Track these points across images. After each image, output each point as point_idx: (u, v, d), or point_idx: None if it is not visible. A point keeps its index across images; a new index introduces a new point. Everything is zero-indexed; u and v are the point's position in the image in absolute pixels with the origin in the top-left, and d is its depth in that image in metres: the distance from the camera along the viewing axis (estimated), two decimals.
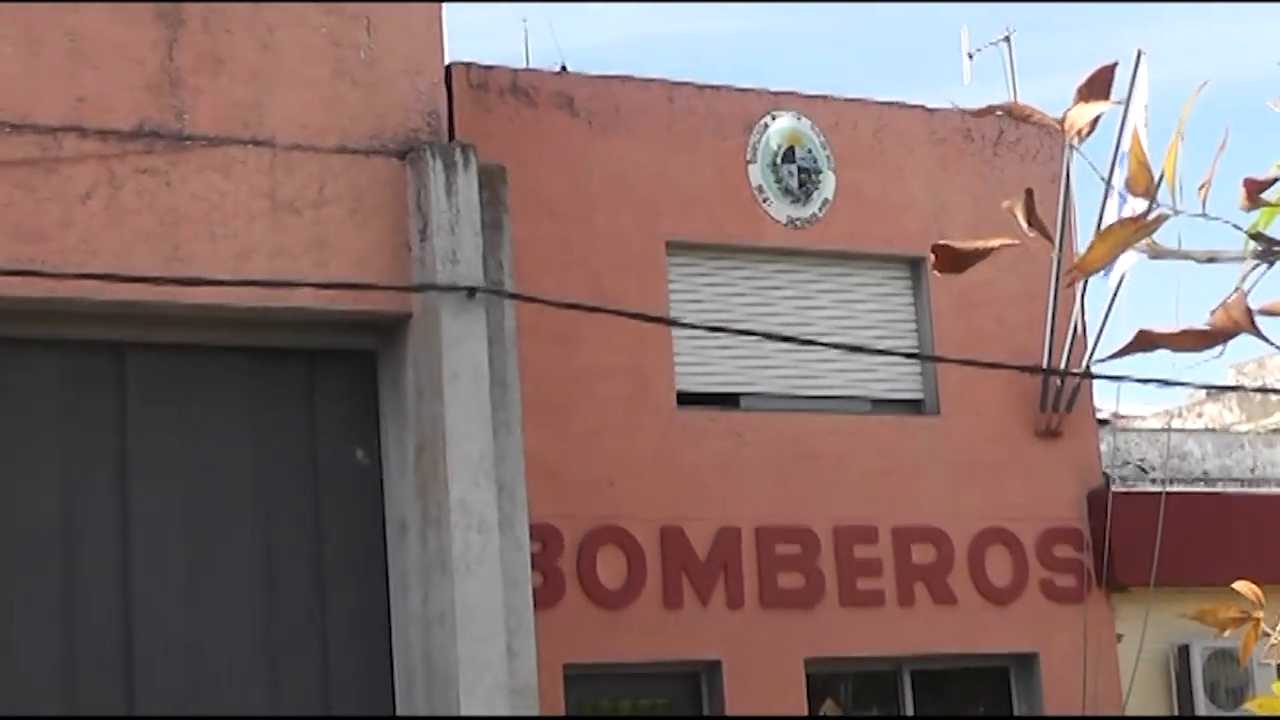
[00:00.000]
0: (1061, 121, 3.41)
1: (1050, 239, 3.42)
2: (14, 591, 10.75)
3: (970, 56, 16.46)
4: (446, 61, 12.21)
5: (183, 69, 11.23)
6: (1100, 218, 13.83)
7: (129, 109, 11.07)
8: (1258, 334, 3.23)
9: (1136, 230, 3.21)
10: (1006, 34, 16.46)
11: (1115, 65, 3.46)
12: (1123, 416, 18.91)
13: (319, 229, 11.27)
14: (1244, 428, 21.49)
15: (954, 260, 3.52)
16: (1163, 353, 3.41)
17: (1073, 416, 15.47)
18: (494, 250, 11.49)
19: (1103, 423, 16.37)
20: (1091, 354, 15.22)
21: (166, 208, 11.00)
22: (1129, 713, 15.15)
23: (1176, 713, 15.37)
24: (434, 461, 11.16)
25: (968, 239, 3.63)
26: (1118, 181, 11.80)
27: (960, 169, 15.52)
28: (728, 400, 14.63)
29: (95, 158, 10.90)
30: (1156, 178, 3.40)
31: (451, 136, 11.91)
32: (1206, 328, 3.25)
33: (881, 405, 15.21)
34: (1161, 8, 48.45)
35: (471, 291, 11.26)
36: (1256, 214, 3.46)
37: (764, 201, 14.78)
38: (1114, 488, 15.51)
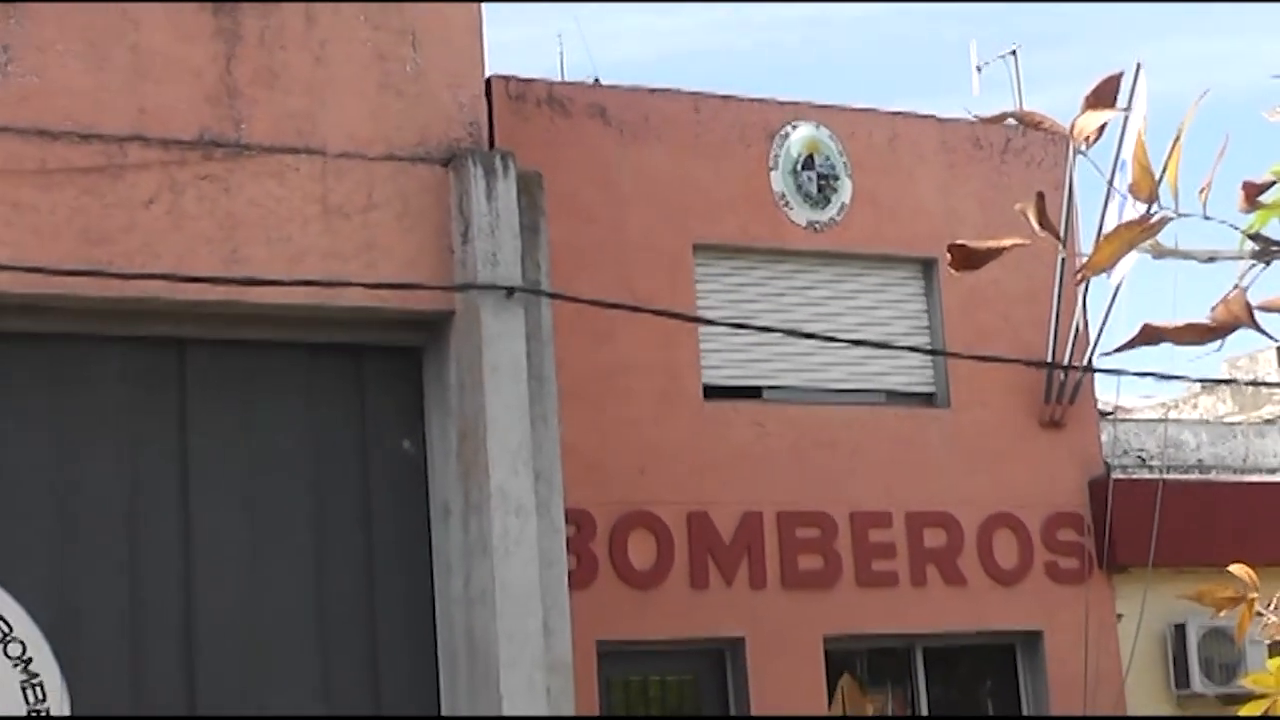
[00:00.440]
0: (1070, 129, 3.40)
1: (1060, 239, 3.42)
2: (83, 570, 10.77)
3: (979, 69, 16.44)
4: (487, 74, 12.21)
5: (240, 82, 11.25)
6: (1101, 220, 13.81)
7: (189, 119, 11.08)
8: (1257, 328, 3.23)
9: (1141, 231, 3.21)
10: (1013, 48, 16.45)
11: (1121, 75, 3.45)
12: (1122, 408, 18.86)
13: (368, 232, 11.28)
14: (1237, 419, 21.44)
15: (968, 259, 3.52)
16: (1160, 348, 3.40)
17: (1075, 408, 15.45)
18: (531, 252, 11.48)
19: (1104, 414, 16.34)
20: (1093, 349, 15.19)
21: (225, 212, 11.01)
22: (1128, 687, 15.12)
23: (1174, 687, 15.33)
24: (475, 450, 11.16)
25: (977, 240, 3.62)
26: (1119, 185, 11.77)
27: (969, 175, 15.49)
28: (751, 393, 14.62)
29: (158, 165, 10.92)
30: (1157, 182, 3.39)
31: (491, 145, 11.90)
32: (1208, 322, 3.24)
33: (895, 398, 15.19)
34: (1160, 23, 48.28)
35: (510, 291, 11.25)
36: (1254, 215, 3.45)
37: (785, 206, 14.76)
38: (1114, 475, 15.49)
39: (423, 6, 11.75)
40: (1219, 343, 3.30)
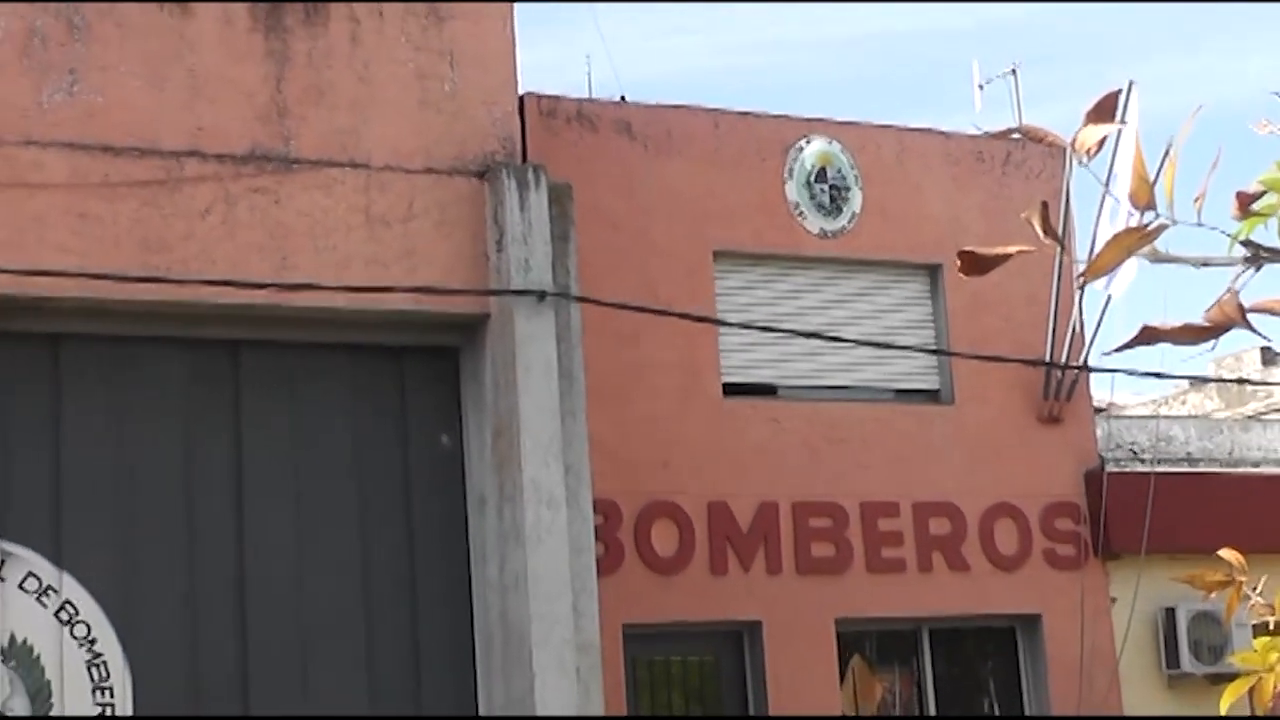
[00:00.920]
0: (1072, 142, 3.41)
1: (1063, 245, 3.43)
2: (144, 556, 10.80)
3: (981, 87, 16.41)
4: (520, 92, 12.21)
5: (289, 100, 11.27)
6: (1096, 227, 13.78)
7: (242, 136, 11.10)
8: (1249, 328, 3.23)
9: (1140, 238, 3.21)
10: (1013, 67, 16.42)
11: (1119, 92, 3.46)
12: (1116, 405, 18.84)
13: (408, 240, 11.29)
14: (1223, 414, 21.40)
15: (977, 264, 3.53)
16: (1151, 348, 3.40)
17: (1072, 405, 15.42)
18: (561, 258, 11.48)
19: (1098, 410, 16.32)
20: (1088, 349, 15.17)
21: (275, 222, 11.03)
22: (1122, 667, 15.09)
23: (1164, 667, 15.30)
24: (509, 445, 11.16)
25: (980, 247, 3.63)
26: (1117, 194, 11.75)
27: (972, 186, 15.47)
28: (767, 390, 14.61)
29: (213, 179, 10.94)
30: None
31: (524, 158, 11.90)
32: (1204, 323, 3.24)
33: (902, 395, 15.17)
34: (1149, 44, 48.20)
35: (542, 295, 11.25)
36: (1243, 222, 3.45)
37: (799, 215, 14.75)
38: (1108, 468, 15.45)
39: (460, 29, 11.76)
40: (1214, 342, 3.31)
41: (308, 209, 11.11)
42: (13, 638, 10.45)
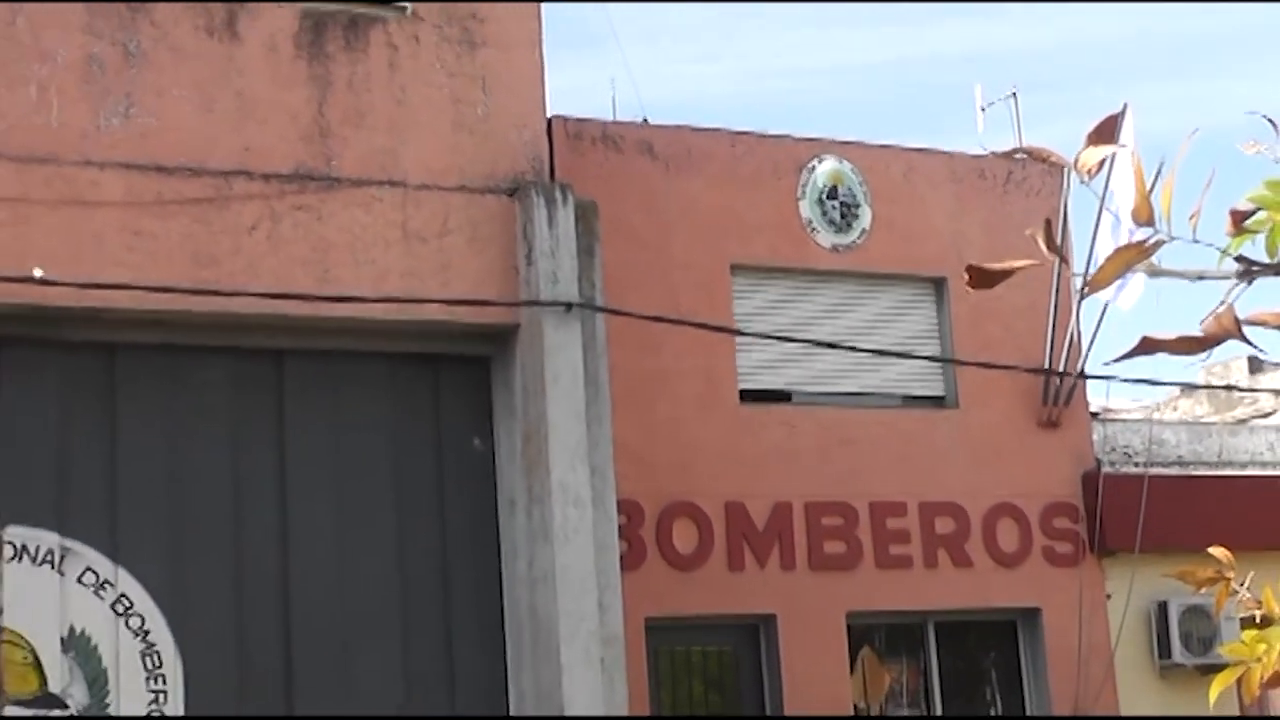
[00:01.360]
0: (1074, 162, 3.40)
1: (1066, 260, 3.43)
2: (194, 552, 10.81)
3: (983, 110, 16.38)
4: (548, 115, 12.22)
5: (331, 122, 11.29)
6: (1094, 242, 13.75)
7: (287, 156, 11.12)
8: (1244, 340, 3.21)
9: (1139, 253, 3.20)
10: (1013, 91, 16.39)
11: (1119, 114, 3.45)
12: (1111, 410, 18.80)
13: (443, 255, 11.30)
14: (1213, 419, 21.33)
15: (984, 278, 3.52)
16: (1144, 357, 3.39)
17: (1070, 410, 15.39)
18: (587, 272, 11.48)
19: (1095, 415, 16.28)
20: (1085, 358, 15.13)
21: (318, 238, 11.04)
22: (1117, 658, 15.04)
23: (1157, 658, 15.25)
24: (538, 449, 11.16)
25: (983, 261, 3.61)
26: (1117, 211, 11.71)
27: (975, 204, 15.45)
28: (781, 396, 14.60)
29: (259, 197, 10.96)
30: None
31: (552, 177, 11.91)
32: (1200, 334, 3.23)
33: (909, 400, 15.15)
34: (1143, 68, 48.11)
35: (569, 306, 11.26)
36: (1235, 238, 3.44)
37: (812, 231, 14.74)
38: (1104, 470, 15.42)
39: (492, 56, 11.77)
40: (1210, 352, 3.30)
41: (348, 225, 11.13)
42: (72, 629, 10.47)
